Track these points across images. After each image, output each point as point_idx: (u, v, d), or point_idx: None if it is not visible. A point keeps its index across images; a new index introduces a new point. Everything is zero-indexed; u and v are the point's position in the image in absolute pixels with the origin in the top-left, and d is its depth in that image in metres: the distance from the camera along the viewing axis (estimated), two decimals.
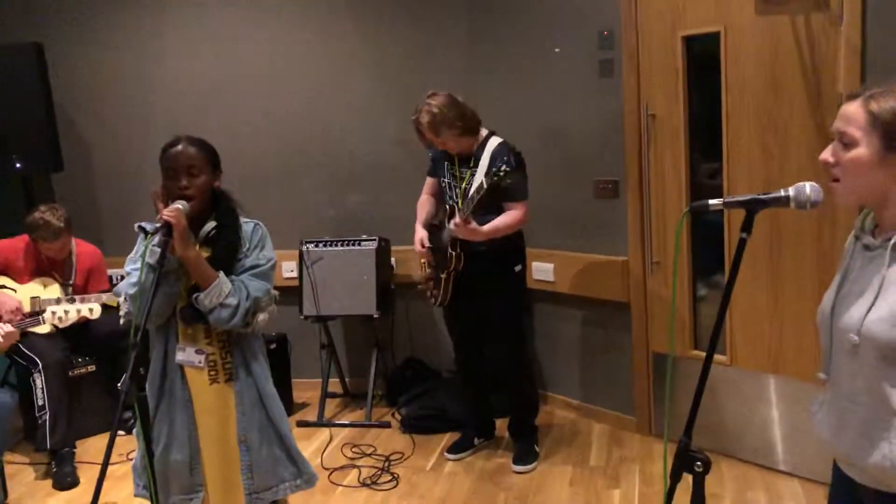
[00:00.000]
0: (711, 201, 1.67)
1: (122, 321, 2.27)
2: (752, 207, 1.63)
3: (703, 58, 3.51)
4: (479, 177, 3.44)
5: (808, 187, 1.59)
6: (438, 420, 4.15)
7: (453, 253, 3.53)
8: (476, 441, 3.92)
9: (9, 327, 3.57)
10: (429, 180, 3.83)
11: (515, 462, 3.69)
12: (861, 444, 1.53)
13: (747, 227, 1.63)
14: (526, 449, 3.75)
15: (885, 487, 1.52)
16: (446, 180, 3.66)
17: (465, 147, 3.55)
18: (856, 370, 1.53)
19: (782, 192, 1.61)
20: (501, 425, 3.98)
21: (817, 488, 3.27)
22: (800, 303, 3.28)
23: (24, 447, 4.18)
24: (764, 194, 1.63)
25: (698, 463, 1.63)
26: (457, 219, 3.35)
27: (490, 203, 3.41)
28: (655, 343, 3.86)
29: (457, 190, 3.59)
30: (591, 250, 4.01)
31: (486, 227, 3.42)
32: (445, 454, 3.85)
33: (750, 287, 3.39)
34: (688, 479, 1.65)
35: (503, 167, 3.15)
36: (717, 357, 3.52)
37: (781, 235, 3.31)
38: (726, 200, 1.66)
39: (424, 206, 3.81)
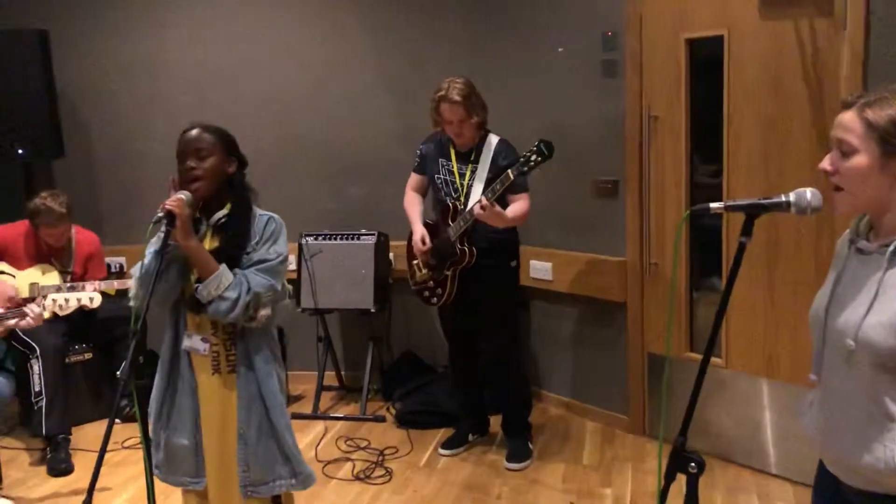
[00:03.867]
0: (713, 205, 1.68)
1: (131, 302, 2.29)
2: (752, 212, 1.64)
3: (705, 61, 3.51)
4: (483, 173, 3.48)
5: (809, 193, 1.60)
6: (433, 415, 4.16)
7: (465, 248, 3.53)
8: (470, 437, 3.92)
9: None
10: (414, 176, 3.80)
11: (509, 459, 3.70)
12: (853, 446, 1.53)
13: (747, 231, 1.63)
14: (519, 446, 3.76)
15: (876, 487, 1.53)
16: (441, 177, 3.65)
17: (469, 138, 3.55)
18: (849, 374, 1.54)
19: (783, 198, 1.62)
20: (495, 422, 3.99)
21: (808, 492, 3.27)
22: (796, 308, 3.29)
23: (19, 433, 4.18)
24: (765, 199, 1.64)
25: (693, 464, 1.64)
26: (483, 201, 3.26)
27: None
28: (651, 344, 3.87)
29: (455, 186, 3.59)
30: (590, 250, 4.02)
31: (508, 211, 3.43)
32: (439, 450, 3.86)
33: (747, 290, 3.40)
34: (681, 479, 1.66)
35: (533, 157, 3.18)
36: (713, 360, 3.52)
37: (779, 240, 3.32)
38: (728, 204, 1.67)
39: (415, 203, 3.78)
